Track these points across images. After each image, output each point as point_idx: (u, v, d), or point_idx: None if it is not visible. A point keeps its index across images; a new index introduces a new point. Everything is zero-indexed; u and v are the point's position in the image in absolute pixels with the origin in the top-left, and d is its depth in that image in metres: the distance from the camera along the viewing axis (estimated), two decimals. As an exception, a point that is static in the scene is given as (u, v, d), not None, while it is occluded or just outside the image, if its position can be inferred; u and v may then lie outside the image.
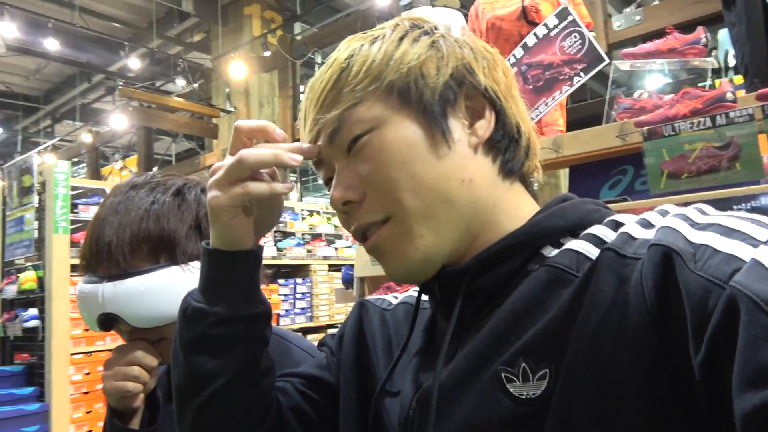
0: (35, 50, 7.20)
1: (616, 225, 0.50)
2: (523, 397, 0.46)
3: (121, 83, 7.94)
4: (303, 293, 5.38)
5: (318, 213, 6.16)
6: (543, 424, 0.44)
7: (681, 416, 0.39)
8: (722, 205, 1.60)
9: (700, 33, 1.91)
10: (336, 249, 5.86)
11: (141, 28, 8.28)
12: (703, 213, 0.45)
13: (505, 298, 0.52)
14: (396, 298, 0.72)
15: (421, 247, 0.53)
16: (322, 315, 5.49)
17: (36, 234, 3.74)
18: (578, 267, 0.48)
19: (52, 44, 6.62)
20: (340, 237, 6.07)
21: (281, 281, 5.04)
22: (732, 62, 3.68)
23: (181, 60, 8.16)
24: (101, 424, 3.30)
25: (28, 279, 3.66)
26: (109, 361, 0.83)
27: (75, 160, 10.08)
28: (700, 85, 2.15)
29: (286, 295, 5.22)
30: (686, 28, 2.24)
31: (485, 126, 0.55)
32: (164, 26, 8.17)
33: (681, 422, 0.39)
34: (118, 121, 7.50)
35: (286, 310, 5.14)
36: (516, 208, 0.57)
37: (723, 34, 3.53)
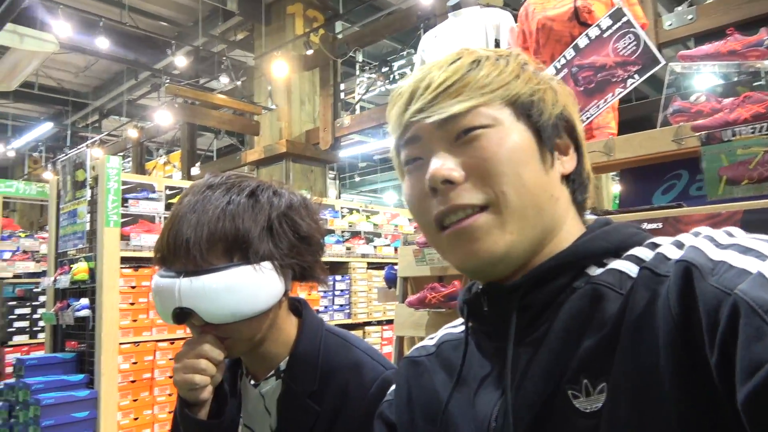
0: (86, 48, 7.43)
1: (654, 246, 0.55)
2: (588, 411, 0.50)
3: (166, 80, 8.13)
4: (342, 290, 5.42)
5: (357, 211, 6.20)
6: None
7: (711, 413, 0.42)
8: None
9: (763, 35, 1.85)
10: (375, 247, 5.89)
11: (187, 27, 8.46)
12: (730, 235, 0.50)
13: (553, 313, 0.56)
14: (432, 339, 0.76)
15: (508, 242, 0.57)
16: (360, 312, 5.53)
17: (88, 227, 3.87)
18: (621, 285, 0.53)
19: (102, 42, 6.81)
20: (379, 235, 6.10)
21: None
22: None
23: (224, 58, 8.30)
24: (148, 412, 3.40)
25: (80, 270, 3.79)
26: (179, 354, 0.86)
27: (121, 154, 10.38)
28: (755, 84, 2.08)
29: (325, 292, 5.27)
30: (741, 27, 2.17)
31: (570, 162, 0.63)
32: (209, 25, 8.33)
33: (712, 419, 0.42)
34: (163, 117, 7.67)
35: (325, 307, 5.19)
36: (572, 234, 0.62)
37: (781, 35, 3.40)
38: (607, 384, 0.49)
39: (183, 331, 0.88)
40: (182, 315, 0.84)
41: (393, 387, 0.77)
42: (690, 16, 3.77)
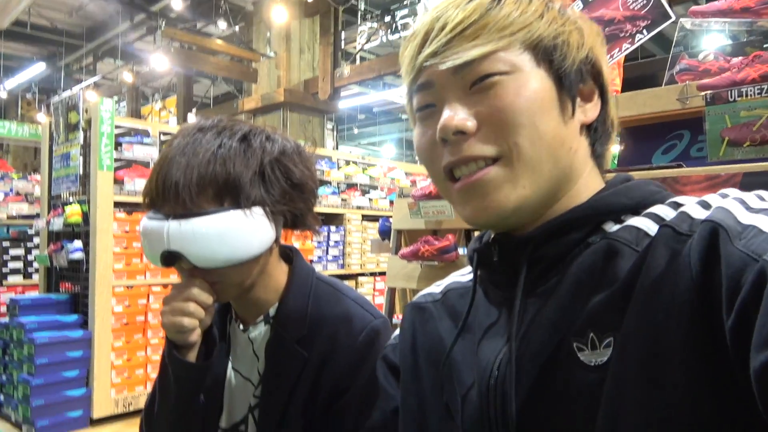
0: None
1: (676, 205, 0.53)
2: (592, 364, 0.49)
3: (163, 23, 7.91)
4: (336, 241, 5.45)
5: (355, 163, 6.16)
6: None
7: (722, 377, 0.42)
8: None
9: (779, -9, 1.79)
10: (370, 200, 5.88)
11: (184, -33, 8.17)
12: (761, 199, 0.48)
13: (565, 267, 0.55)
14: (438, 286, 0.74)
15: (520, 196, 0.55)
16: (353, 263, 5.57)
17: (81, 170, 3.83)
18: (638, 242, 0.51)
19: (96, -20, 6.58)
20: (375, 188, 6.08)
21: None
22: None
23: (223, 2, 8.07)
24: (141, 353, 3.45)
25: (73, 213, 3.77)
26: (168, 297, 0.86)
27: (115, 98, 10.21)
28: (765, 46, 2.03)
29: (319, 242, 5.29)
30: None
31: (593, 109, 0.59)
32: (207, -35, 8.05)
33: (722, 382, 0.42)
34: (159, 61, 7.51)
35: (319, 257, 5.23)
36: (590, 188, 0.59)
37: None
38: (614, 339, 0.48)
39: (177, 276, 0.88)
40: (170, 258, 0.83)
41: (397, 331, 0.76)
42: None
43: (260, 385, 0.94)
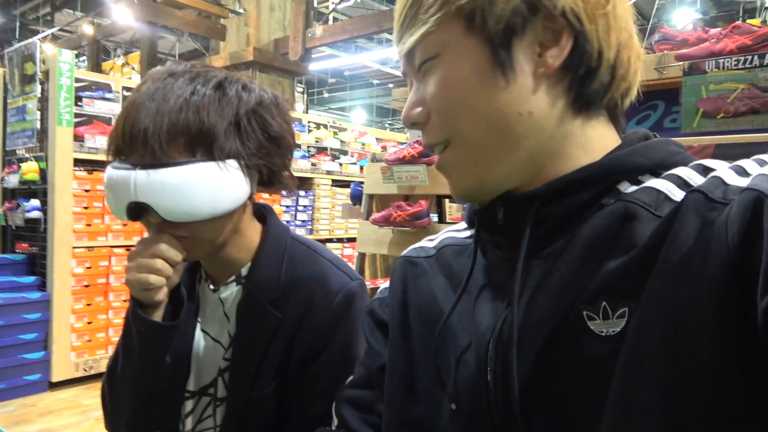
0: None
1: (704, 169, 0.49)
2: (603, 334, 0.46)
3: (125, -27, 7.53)
4: (305, 206, 5.39)
5: (325, 127, 6.06)
6: (617, 359, 0.45)
7: (749, 359, 0.38)
8: (753, 150, 1.55)
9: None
10: (341, 164, 5.81)
11: None
12: None
13: (574, 229, 0.51)
14: (432, 241, 0.71)
15: (476, 175, 0.54)
16: (322, 229, 5.53)
17: (38, 125, 3.66)
18: (657, 205, 0.48)
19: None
20: (345, 153, 6.01)
21: (284, 192, 5.01)
22: (768, 3, 3.49)
23: (189, -47, 7.70)
24: (102, 316, 3.36)
25: (30, 170, 3.62)
26: (133, 252, 0.81)
27: (75, 52, 9.78)
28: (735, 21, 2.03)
29: (288, 206, 5.23)
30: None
31: (556, 54, 0.51)
32: None
33: (749, 364, 0.38)
34: (121, 14, 7.16)
35: (287, 221, 5.16)
36: (592, 141, 0.54)
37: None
38: (630, 309, 0.45)
39: (142, 236, 0.83)
40: (137, 211, 0.77)
41: (385, 284, 0.73)
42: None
43: (231, 347, 0.91)
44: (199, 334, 0.94)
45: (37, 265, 3.74)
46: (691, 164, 0.50)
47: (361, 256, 2.78)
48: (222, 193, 0.78)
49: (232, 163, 0.79)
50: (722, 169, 0.47)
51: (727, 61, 1.76)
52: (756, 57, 1.70)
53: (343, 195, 5.60)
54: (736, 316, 0.39)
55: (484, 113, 0.51)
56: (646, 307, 0.44)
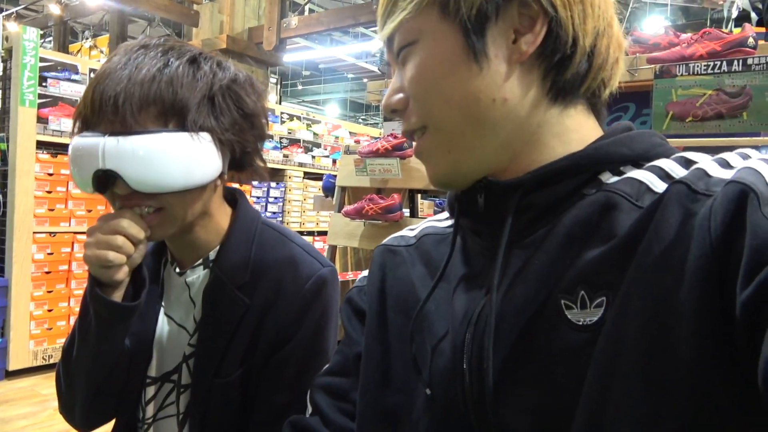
0: None
1: (686, 162, 0.49)
2: (580, 323, 0.46)
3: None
4: (276, 197, 5.34)
5: (298, 118, 6.01)
6: (594, 350, 0.44)
7: (730, 352, 0.39)
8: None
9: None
10: (313, 157, 5.78)
11: None
12: None
13: (555, 218, 0.51)
14: (412, 230, 0.70)
15: (450, 161, 0.55)
16: (292, 221, 5.49)
17: (0, 104, 3.54)
18: (638, 196, 0.48)
19: None
20: (318, 145, 5.97)
21: (255, 183, 4.96)
22: (735, 14, 3.58)
23: (163, -65, 7.54)
24: (63, 304, 3.25)
25: (-10, 150, 3.49)
26: (92, 228, 0.77)
27: (41, 32, 9.48)
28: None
29: (258, 197, 5.17)
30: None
31: (530, 41, 0.51)
32: None
33: (729, 357, 0.39)
34: (91, -6, 6.98)
35: (257, 213, 5.11)
36: (569, 131, 0.54)
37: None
38: (608, 298, 0.45)
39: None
40: (104, 180, 0.74)
41: (364, 273, 0.72)
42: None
43: (196, 332, 0.88)
44: (162, 319, 0.92)
45: (-5, 250, 3.62)
46: (674, 156, 0.50)
47: (332, 249, 2.76)
48: (193, 166, 0.76)
49: (205, 136, 0.77)
50: (705, 161, 0.47)
51: (697, 66, 1.79)
52: (724, 63, 1.74)
53: (315, 188, 5.57)
54: (715, 309, 0.39)
55: (457, 99, 0.52)
56: (625, 297, 0.44)
